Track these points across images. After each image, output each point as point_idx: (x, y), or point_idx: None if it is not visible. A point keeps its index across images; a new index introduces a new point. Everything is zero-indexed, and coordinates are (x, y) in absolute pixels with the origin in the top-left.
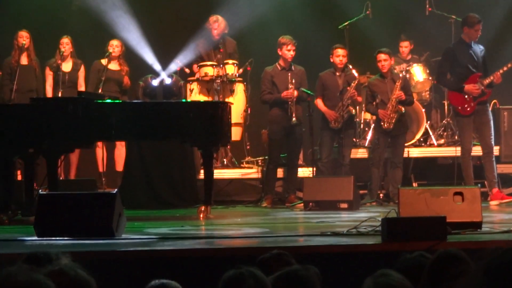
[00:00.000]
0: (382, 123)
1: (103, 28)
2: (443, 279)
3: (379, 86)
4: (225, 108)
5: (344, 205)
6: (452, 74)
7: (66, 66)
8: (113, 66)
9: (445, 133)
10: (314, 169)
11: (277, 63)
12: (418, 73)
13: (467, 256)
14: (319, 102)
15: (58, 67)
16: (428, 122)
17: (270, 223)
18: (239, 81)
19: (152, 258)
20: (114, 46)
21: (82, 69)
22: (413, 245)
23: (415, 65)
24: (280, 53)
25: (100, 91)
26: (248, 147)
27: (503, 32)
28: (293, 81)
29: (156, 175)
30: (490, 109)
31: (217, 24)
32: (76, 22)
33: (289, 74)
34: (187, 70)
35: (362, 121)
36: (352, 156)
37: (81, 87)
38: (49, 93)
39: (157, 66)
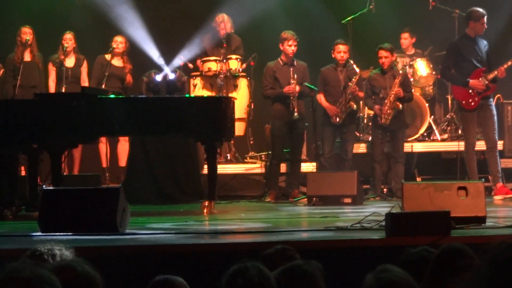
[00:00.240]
0: (378, 119)
1: (107, 24)
2: (447, 274)
3: (379, 81)
4: (228, 103)
5: (348, 200)
6: (457, 68)
7: (69, 62)
8: (117, 62)
9: (448, 128)
10: (317, 164)
11: (279, 58)
12: (422, 67)
13: (471, 251)
14: (320, 98)
15: (61, 63)
16: (432, 116)
17: (274, 218)
18: (242, 76)
19: (156, 253)
20: (118, 42)
21: (85, 64)
22: (417, 240)
23: (418, 59)
24: (282, 48)
25: (103, 86)
26: (251, 142)
27: (507, 27)
28: (295, 76)
29: (159, 170)
30: (493, 103)
31: (224, 24)
32: (79, 18)
33: (291, 69)
34: (190, 65)
35: (365, 116)
36: (354, 151)
37: (84, 83)
38: (52, 88)
39: (160, 61)
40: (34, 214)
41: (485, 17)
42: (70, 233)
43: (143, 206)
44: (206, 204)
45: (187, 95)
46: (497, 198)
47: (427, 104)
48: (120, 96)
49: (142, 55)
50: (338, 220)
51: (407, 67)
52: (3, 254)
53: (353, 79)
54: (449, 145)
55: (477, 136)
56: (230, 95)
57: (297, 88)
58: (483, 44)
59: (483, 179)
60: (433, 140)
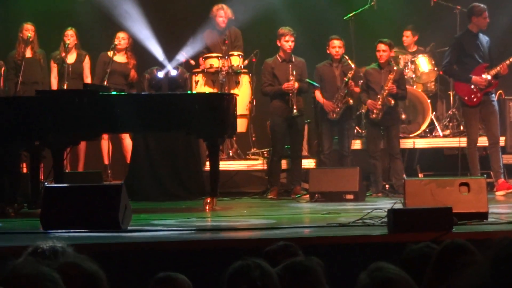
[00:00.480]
0: (370, 114)
1: (110, 20)
2: (449, 270)
3: (374, 76)
4: (230, 100)
5: (350, 196)
6: (459, 64)
7: (71, 58)
8: (120, 58)
9: (450, 124)
10: (316, 161)
11: (277, 55)
12: (424, 63)
13: (473, 247)
14: (317, 94)
15: (62, 60)
16: (434, 113)
17: (276, 214)
18: (244, 73)
19: (158, 250)
20: (121, 39)
21: (87, 60)
22: (419, 236)
23: (420, 55)
24: (279, 45)
25: (105, 83)
26: (253, 138)
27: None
28: (294, 72)
29: (162, 167)
30: (496, 99)
31: (223, 12)
32: (82, 14)
33: (290, 66)
34: (192, 62)
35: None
36: (354, 147)
37: (87, 78)
38: (54, 85)
39: (162, 58)
40: (36, 211)
41: (487, 11)
42: (72, 230)
43: (145, 203)
44: (208, 200)
45: (189, 92)
46: (499, 194)
47: (429, 100)
48: (122, 93)
49: (144, 51)
50: (340, 216)
51: (408, 63)
52: (5, 252)
53: (349, 74)
54: (451, 141)
55: (479, 132)
56: (232, 91)
57: (296, 84)
58: (486, 40)
59: (485, 175)
60: (435, 136)
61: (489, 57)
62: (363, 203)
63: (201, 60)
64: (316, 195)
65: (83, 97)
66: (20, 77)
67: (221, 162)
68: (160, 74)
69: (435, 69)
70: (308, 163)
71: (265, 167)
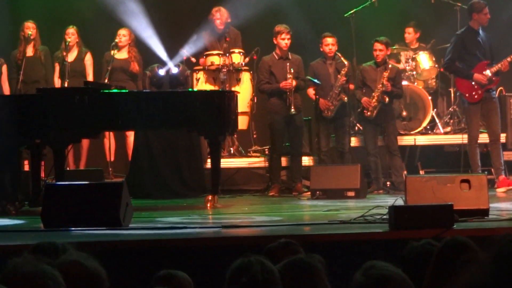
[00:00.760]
0: (365, 111)
1: (112, 17)
2: (450, 267)
3: (370, 73)
4: (231, 97)
5: (351, 194)
6: (460, 61)
7: (71, 56)
8: (122, 55)
9: (451, 121)
10: (314, 159)
11: (274, 52)
12: (424, 60)
13: (474, 244)
14: (309, 91)
15: (63, 58)
16: (435, 110)
17: (277, 212)
18: (245, 70)
19: (160, 248)
20: (121, 36)
21: (89, 57)
22: (420, 233)
23: (421, 52)
24: (275, 42)
25: (106, 81)
26: (254, 136)
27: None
28: (291, 71)
29: (163, 164)
30: (496, 96)
31: (220, 14)
32: (85, 11)
33: (288, 64)
34: (193, 60)
35: None
36: (352, 144)
37: (89, 76)
38: (57, 84)
39: (164, 56)
40: (37, 209)
41: (487, 8)
42: (73, 228)
43: (146, 200)
44: (210, 198)
45: (190, 89)
46: (500, 190)
47: (429, 97)
48: (123, 91)
49: (146, 49)
50: (342, 213)
51: (409, 60)
52: (6, 250)
53: (342, 71)
54: (452, 138)
55: (480, 129)
56: (233, 89)
57: (294, 82)
58: (487, 36)
59: (486, 172)
60: (436, 133)
61: (490, 54)
62: (364, 200)
63: (200, 60)
64: (317, 192)
65: (84, 95)
66: (20, 76)
67: (222, 160)
68: (161, 72)
69: (436, 66)
70: (308, 161)
71: (266, 164)
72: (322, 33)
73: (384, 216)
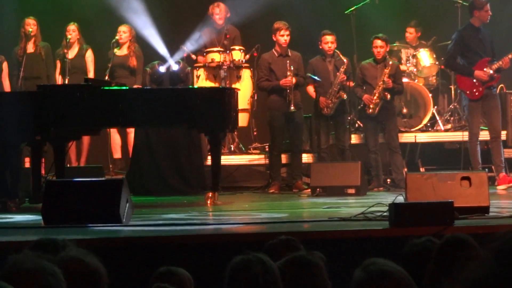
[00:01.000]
0: (366, 108)
1: (113, 14)
2: (451, 264)
3: (370, 71)
4: (232, 94)
5: (352, 191)
6: (462, 58)
7: (72, 53)
8: (122, 51)
9: (452, 118)
10: (313, 156)
11: (273, 49)
12: (425, 58)
13: (474, 241)
14: (309, 89)
15: (64, 55)
16: (435, 107)
17: (277, 209)
18: (245, 67)
19: (160, 245)
20: (122, 33)
21: (90, 53)
22: (420, 230)
23: (421, 50)
24: (275, 39)
25: (107, 77)
26: (255, 133)
27: None
28: (291, 68)
29: (163, 161)
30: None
31: (218, 10)
32: (86, 8)
33: (288, 61)
34: (193, 57)
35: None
36: (353, 141)
37: (90, 73)
38: (58, 81)
39: (164, 52)
40: (38, 206)
41: (488, 4)
42: (73, 225)
43: (147, 197)
44: (210, 195)
45: (191, 86)
46: (500, 188)
47: (430, 95)
48: (124, 87)
49: (147, 46)
50: (342, 210)
51: (410, 57)
52: (6, 246)
53: (341, 69)
54: (452, 135)
55: (480, 126)
56: (233, 86)
57: (293, 80)
58: (488, 33)
59: (486, 169)
60: (437, 131)
61: (491, 51)
62: (364, 197)
63: (199, 58)
64: (318, 189)
65: (85, 92)
66: (21, 72)
67: (222, 157)
68: (162, 69)
69: (437, 63)
70: (308, 158)
71: (266, 161)
72: (322, 30)
73: (385, 214)
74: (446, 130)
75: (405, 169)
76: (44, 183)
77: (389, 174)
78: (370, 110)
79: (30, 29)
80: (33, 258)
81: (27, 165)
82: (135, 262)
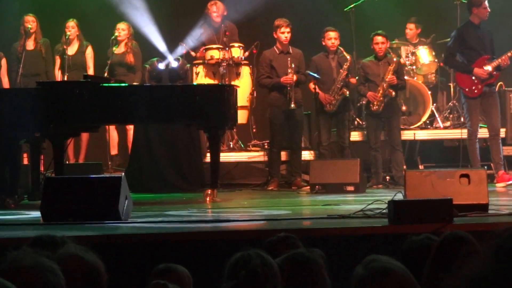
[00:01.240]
0: (371, 105)
1: (113, 11)
2: (450, 261)
3: (372, 68)
4: (231, 91)
5: (351, 188)
6: (461, 56)
7: (71, 50)
8: (120, 49)
9: (451, 116)
10: (315, 152)
11: (274, 47)
12: (424, 55)
13: (473, 238)
14: (311, 86)
15: (63, 51)
16: (434, 104)
17: (276, 206)
18: (245, 64)
19: (159, 242)
20: (120, 30)
21: (90, 50)
22: (419, 228)
23: (421, 47)
24: (275, 36)
25: (105, 74)
26: (254, 130)
27: None
28: (292, 65)
29: (162, 158)
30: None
31: (216, 7)
32: (85, 5)
33: (289, 58)
34: (193, 54)
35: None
36: (354, 139)
37: (89, 70)
38: (58, 77)
39: (163, 49)
40: (37, 202)
41: (486, 1)
42: (72, 222)
43: (145, 194)
44: (209, 192)
45: (190, 83)
46: (499, 185)
47: (429, 92)
48: (123, 84)
49: (146, 42)
50: (341, 208)
51: (409, 54)
52: (5, 243)
53: (344, 66)
54: (451, 132)
55: (479, 123)
56: (232, 83)
57: (294, 77)
58: (487, 31)
59: (485, 167)
60: (436, 128)
61: (491, 48)
62: (363, 194)
63: (200, 55)
64: (317, 186)
65: (84, 89)
66: (20, 69)
67: (221, 154)
68: (161, 66)
69: (436, 60)
70: (308, 155)
71: (266, 158)
72: (321, 27)
73: (384, 211)
74: (445, 128)
75: (404, 167)
76: (43, 180)
77: (388, 171)
78: (375, 107)
79: (30, 26)
80: (32, 254)
81: (26, 161)
82: (134, 259)
